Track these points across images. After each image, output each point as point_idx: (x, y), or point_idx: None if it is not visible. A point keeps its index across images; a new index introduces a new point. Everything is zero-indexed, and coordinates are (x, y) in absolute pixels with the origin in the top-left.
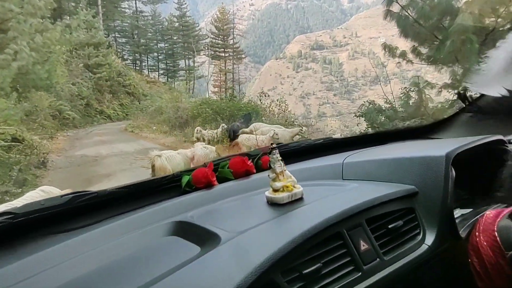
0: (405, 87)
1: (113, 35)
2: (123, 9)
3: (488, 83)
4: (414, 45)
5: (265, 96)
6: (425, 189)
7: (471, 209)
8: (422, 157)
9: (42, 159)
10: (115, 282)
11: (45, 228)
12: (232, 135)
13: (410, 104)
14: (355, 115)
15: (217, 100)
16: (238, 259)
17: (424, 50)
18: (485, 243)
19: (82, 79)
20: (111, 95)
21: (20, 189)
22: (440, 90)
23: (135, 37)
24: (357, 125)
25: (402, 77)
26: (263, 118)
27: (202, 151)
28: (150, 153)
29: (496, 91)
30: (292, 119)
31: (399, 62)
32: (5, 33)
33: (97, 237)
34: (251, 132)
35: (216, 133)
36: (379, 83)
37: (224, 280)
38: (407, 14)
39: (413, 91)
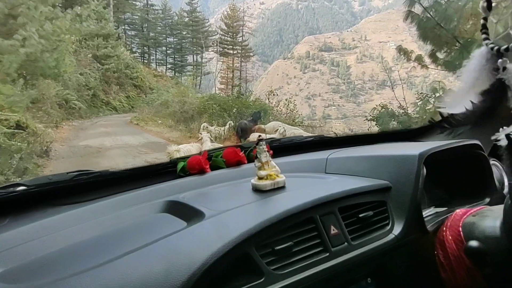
0: (421, 93)
1: (123, 27)
2: (133, 2)
3: (455, 102)
4: (433, 49)
5: (273, 95)
6: (398, 184)
7: (445, 208)
8: (398, 155)
9: (45, 148)
10: (110, 247)
11: (52, 200)
12: (240, 133)
13: (426, 110)
14: (366, 119)
15: (224, 96)
16: (218, 232)
17: (440, 55)
18: (450, 237)
19: (90, 70)
20: (118, 87)
21: (20, 179)
22: None
23: (145, 30)
24: (368, 130)
25: (410, 83)
26: (270, 117)
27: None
28: (168, 148)
29: (462, 107)
30: (301, 120)
31: (414, 67)
32: (15, 19)
33: (97, 210)
34: (275, 131)
35: (224, 130)
36: (390, 87)
37: (203, 248)
38: (429, 16)
39: (430, 97)
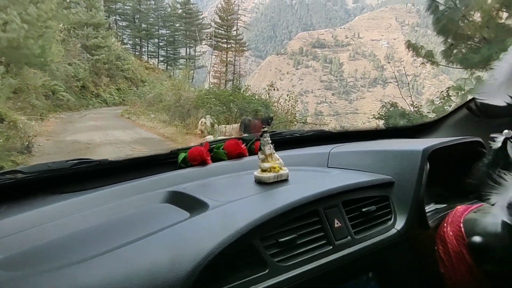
0: (442, 91)
1: (114, 17)
2: None
3: (494, 93)
4: (452, 44)
5: (274, 89)
6: (401, 180)
7: (445, 205)
8: (401, 150)
9: (27, 143)
10: (112, 236)
11: (50, 188)
12: (244, 131)
13: (446, 108)
14: (374, 117)
15: (224, 90)
16: (223, 222)
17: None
18: (451, 233)
19: (79, 60)
20: (109, 78)
21: None
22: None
23: (136, 21)
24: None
25: (401, 82)
26: (271, 114)
27: None
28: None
29: (501, 100)
30: (303, 118)
31: (423, 63)
32: None
33: (98, 199)
34: None
35: (232, 128)
36: (397, 85)
37: (208, 238)
38: (451, 7)
39: (451, 95)
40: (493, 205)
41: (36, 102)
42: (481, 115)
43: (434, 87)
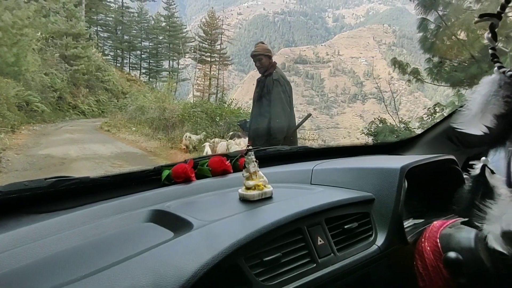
0: (432, 106)
1: (95, 28)
2: (108, 3)
3: (469, 122)
4: (440, 62)
5: None
6: (381, 197)
7: (423, 220)
8: (380, 168)
9: None
10: (92, 258)
11: (27, 208)
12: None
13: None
14: (363, 133)
15: (210, 103)
16: (208, 243)
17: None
18: (428, 248)
19: (56, 70)
20: (88, 90)
21: None
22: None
23: (119, 33)
24: (365, 144)
25: (379, 98)
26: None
27: None
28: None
29: (478, 129)
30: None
31: (409, 80)
32: None
33: (78, 218)
34: None
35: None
36: (383, 102)
37: (192, 259)
38: (445, 26)
39: (442, 109)
40: (486, 235)
41: (7, 113)
42: (460, 145)
43: (410, 103)
